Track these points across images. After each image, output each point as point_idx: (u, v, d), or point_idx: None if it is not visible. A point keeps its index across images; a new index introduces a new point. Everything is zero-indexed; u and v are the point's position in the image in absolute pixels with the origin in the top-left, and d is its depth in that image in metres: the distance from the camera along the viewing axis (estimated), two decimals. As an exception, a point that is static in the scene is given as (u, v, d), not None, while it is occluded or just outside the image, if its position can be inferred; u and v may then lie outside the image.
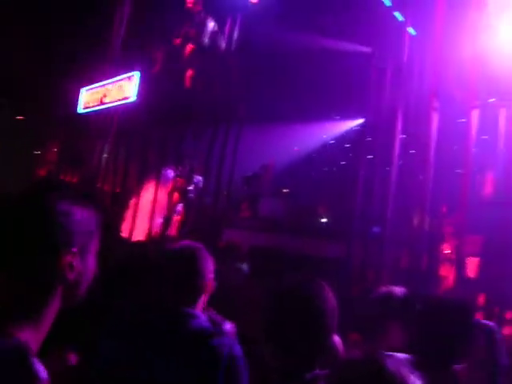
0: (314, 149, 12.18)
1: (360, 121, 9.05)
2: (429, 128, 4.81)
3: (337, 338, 2.90)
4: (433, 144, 4.68)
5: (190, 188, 8.65)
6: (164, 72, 8.87)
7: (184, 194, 8.72)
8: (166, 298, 2.08)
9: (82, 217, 1.20)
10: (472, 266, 5.56)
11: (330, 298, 1.83)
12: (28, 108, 12.58)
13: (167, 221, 8.64)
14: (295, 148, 12.90)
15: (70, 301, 1.20)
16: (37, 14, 9.78)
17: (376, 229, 6.03)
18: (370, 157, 5.96)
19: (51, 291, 1.14)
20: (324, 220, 10.05)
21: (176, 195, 8.70)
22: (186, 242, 2.23)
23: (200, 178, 8.65)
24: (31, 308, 1.12)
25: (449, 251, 5.75)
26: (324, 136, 12.16)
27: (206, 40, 8.92)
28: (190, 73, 8.22)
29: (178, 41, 8.49)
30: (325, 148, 12.10)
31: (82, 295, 1.22)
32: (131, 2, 9.07)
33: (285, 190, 12.35)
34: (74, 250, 1.16)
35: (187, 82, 8.25)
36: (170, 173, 8.82)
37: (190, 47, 8.81)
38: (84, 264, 1.19)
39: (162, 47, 8.85)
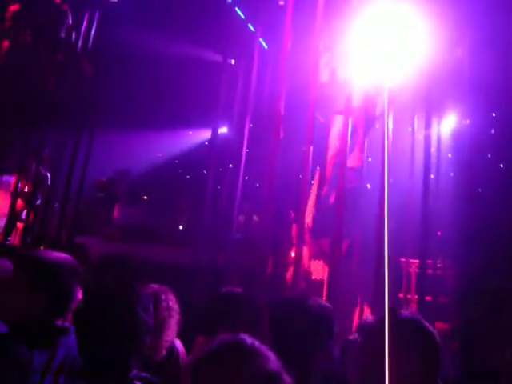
0: (177, 156, 12.12)
1: (223, 129, 9.25)
2: (273, 140, 5.01)
3: (177, 342, 2.87)
4: (275, 154, 4.87)
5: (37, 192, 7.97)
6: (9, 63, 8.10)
7: (30, 199, 8.01)
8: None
9: None
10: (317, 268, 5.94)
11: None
12: None
13: (8, 228, 7.84)
14: (158, 155, 12.71)
15: None
16: None
17: (236, 235, 6.16)
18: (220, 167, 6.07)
19: None
20: (181, 227, 10.01)
21: (20, 201, 7.95)
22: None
23: (48, 174, 8.00)
24: None
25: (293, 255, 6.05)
26: (188, 143, 12.16)
27: (62, 35, 8.39)
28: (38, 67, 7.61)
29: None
30: (187, 156, 12.11)
31: None
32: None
33: (145, 197, 12.08)
34: None
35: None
36: (11, 178, 8.02)
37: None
38: None
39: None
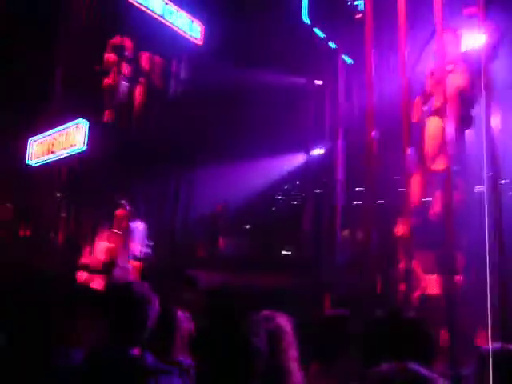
0: (272, 183, 12.25)
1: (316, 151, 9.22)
2: (369, 154, 4.87)
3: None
4: (373, 170, 4.72)
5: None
6: (114, 117, 8.87)
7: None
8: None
9: None
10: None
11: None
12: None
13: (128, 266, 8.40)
14: (253, 184, 12.93)
15: None
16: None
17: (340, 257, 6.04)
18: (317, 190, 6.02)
19: None
20: (286, 252, 10.01)
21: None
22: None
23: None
24: None
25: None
26: (282, 169, 12.25)
27: (155, 81, 9.02)
28: (138, 113, 8.24)
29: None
30: (282, 181, 12.19)
31: None
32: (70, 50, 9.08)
33: (247, 227, 12.29)
34: None
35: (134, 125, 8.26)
36: (140, 224, 8.61)
37: (139, 88, 8.88)
38: None
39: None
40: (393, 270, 5.17)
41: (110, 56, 8.92)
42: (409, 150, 4.29)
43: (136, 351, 2.00)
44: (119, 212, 8.75)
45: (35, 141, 9.25)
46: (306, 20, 6.33)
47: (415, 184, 5.05)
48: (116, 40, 8.85)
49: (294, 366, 2.47)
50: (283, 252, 9.96)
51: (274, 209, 11.37)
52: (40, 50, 9.04)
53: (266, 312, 2.71)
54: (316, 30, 6.31)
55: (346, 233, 6.09)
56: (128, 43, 8.84)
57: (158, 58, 8.91)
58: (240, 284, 7.09)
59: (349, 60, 6.22)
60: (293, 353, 2.55)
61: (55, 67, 9.11)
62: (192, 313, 2.63)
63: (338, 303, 5.12)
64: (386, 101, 5.25)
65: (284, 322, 2.66)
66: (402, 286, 5.32)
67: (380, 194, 4.80)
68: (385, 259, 5.28)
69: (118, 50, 8.70)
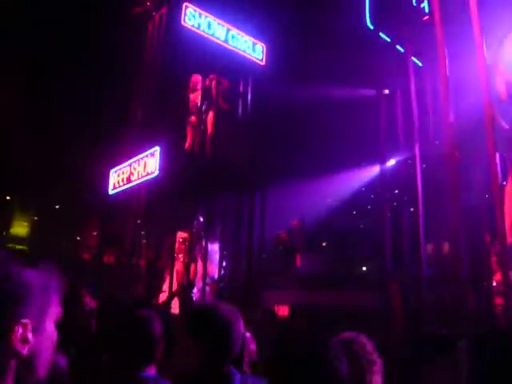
0: (346, 198, 11.96)
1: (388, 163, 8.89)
2: (450, 162, 4.57)
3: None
4: (457, 178, 4.42)
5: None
6: (185, 143, 9.13)
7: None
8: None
9: (33, 281, 1.04)
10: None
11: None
12: (63, 196, 13.11)
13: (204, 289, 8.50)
14: (328, 200, 12.73)
15: (29, 375, 1.02)
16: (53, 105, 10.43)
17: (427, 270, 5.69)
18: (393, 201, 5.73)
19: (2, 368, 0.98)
20: (364, 269, 9.65)
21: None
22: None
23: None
24: None
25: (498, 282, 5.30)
26: (354, 183, 11.96)
27: (224, 104, 9.20)
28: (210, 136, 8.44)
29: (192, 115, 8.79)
30: (356, 196, 11.88)
31: (42, 372, 1.04)
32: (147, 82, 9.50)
33: (323, 244, 12.07)
34: (26, 321, 1.00)
35: (207, 150, 8.42)
36: (216, 246, 8.77)
37: (211, 113, 9.13)
38: (39, 336, 1.02)
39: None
40: (487, 283, 4.76)
41: (194, 96, 9.28)
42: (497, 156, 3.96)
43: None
44: (196, 235, 8.93)
45: (115, 171, 9.69)
46: (370, 26, 6.16)
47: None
48: (196, 78, 9.15)
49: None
50: (364, 268, 9.62)
51: (349, 223, 11.07)
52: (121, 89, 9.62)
53: (347, 334, 2.53)
54: (382, 34, 6.11)
55: (429, 246, 5.74)
56: (211, 81, 9.14)
57: (225, 81, 9.09)
58: (318, 302, 6.89)
59: (419, 63, 5.95)
60: (377, 379, 2.34)
61: (132, 102, 9.59)
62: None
63: (428, 321, 4.78)
64: (463, 101, 4.94)
65: (366, 344, 2.46)
66: (499, 300, 4.89)
67: (464, 199, 4.47)
68: (476, 272, 4.88)
69: (205, 91, 9.03)
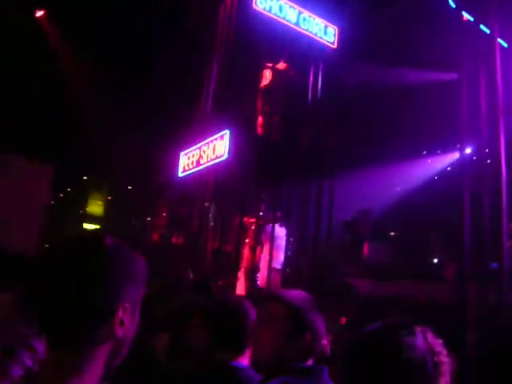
0: (416, 187, 11.53)
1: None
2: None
3: None
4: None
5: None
6: (255, 127, 9.13)
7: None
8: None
9: (137, 267, 1.07)
10: None
11: None
12: (137, 178, 13.62)
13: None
14: (397, 188, 12.34)
15: (115, 358, 1.05)
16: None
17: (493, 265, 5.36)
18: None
19: (98, 349, 1.00)
20: (435, 260, 9.27)
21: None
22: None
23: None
24: (73, 367, 0.97)
25: None
26: (427, 172, 11.50)
27: (293, 92, 9.11)
28: (277, 121, 8.37)
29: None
30: (427, 185, 11.41)
31: (125, 352, 1.07)
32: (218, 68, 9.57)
33: (392, 233, 11.73)
34: (127, 305, 1.02)
35: (276, 134, 8.37)
36: (283, 231, 8.78)
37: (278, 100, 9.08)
38: (133, 320, 1.05)
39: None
40: None
41: (265, 80, 9.31)
42: None
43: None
44: (263, 219, 8.96)
45: (185, 154, 9.90)
46: (452, 4, 5.78)
47: None
48: (267, 62, 9.16)
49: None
50: (435, 260, 9.25)
51: (420, 213, 10.66)
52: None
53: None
54: (464, 13, 5.72)
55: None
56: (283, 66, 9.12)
57: (294, 68, 8.99)
58: (385, 293, 6.70)
59: (505, 44, 5.51)
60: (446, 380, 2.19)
61: (204, 86, 9.73)
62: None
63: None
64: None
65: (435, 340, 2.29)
66: None
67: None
68: None
69: (276, 75, 9.04)
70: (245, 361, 2.04)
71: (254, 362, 1.99)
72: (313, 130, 8.50)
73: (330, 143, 8.49)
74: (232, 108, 8.92)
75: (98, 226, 18.51)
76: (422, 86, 8.14)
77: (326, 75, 8.65)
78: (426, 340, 1.97)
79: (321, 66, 8.96)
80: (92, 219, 18.99)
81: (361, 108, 9.01)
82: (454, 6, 5.98)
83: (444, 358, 2.04)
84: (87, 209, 19.61)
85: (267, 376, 1.82)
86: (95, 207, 19.76)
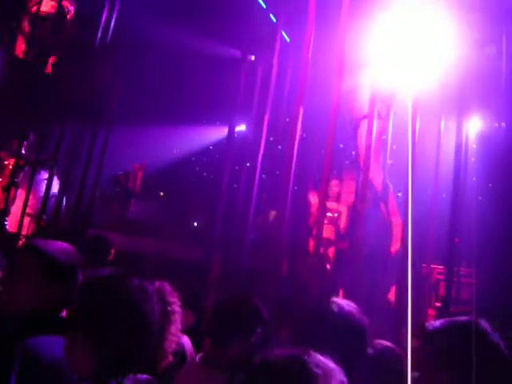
0: (193, 153, 11.99)
1: (241, 126, 9.08)
2: (292, 137, 4.79)
3: (185, 338, 2.62)
4: (295, 151, 4.66)
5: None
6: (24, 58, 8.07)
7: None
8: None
9: None
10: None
11: None
12: None
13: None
14: (174, 151, 12.59)
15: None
16: None
17: (251, 235, 5.95)
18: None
19: None
20: (195, 224, 9.86)
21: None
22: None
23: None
24: None
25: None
26: (203, 140, 12.02)
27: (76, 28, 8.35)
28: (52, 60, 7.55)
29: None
30: (204, 153, 11.98)
31: None
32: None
33: (161, 193, 11.97)
34: None
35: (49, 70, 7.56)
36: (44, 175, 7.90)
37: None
38: None
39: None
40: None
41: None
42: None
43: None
44: (22, 158, 8.03)
45: None
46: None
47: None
48: None
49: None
50: (195, 224, 9.82)
51: (191, 178, 11.16)
52: None
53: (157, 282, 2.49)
54: (259, -1, 6.07)
55: (260, 219, 6.06)
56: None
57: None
58: (149, 251, 6.85)
59: (287, 38, 6.06)
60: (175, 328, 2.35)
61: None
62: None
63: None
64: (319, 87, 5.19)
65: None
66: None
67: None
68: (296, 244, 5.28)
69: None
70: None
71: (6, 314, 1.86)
72: (95, 74, 7.95)
73: (112, 93, 8.08)
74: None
75: None
76: (214, 56, 8.37)
77: (119, 19, 8.15)
78: (161, 292, 2.09)
79: (116, 8, 8.41)
80: None
81: (152, 62, 8.81)
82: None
83: (176, 307, 2.18)
84: None
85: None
86: None
